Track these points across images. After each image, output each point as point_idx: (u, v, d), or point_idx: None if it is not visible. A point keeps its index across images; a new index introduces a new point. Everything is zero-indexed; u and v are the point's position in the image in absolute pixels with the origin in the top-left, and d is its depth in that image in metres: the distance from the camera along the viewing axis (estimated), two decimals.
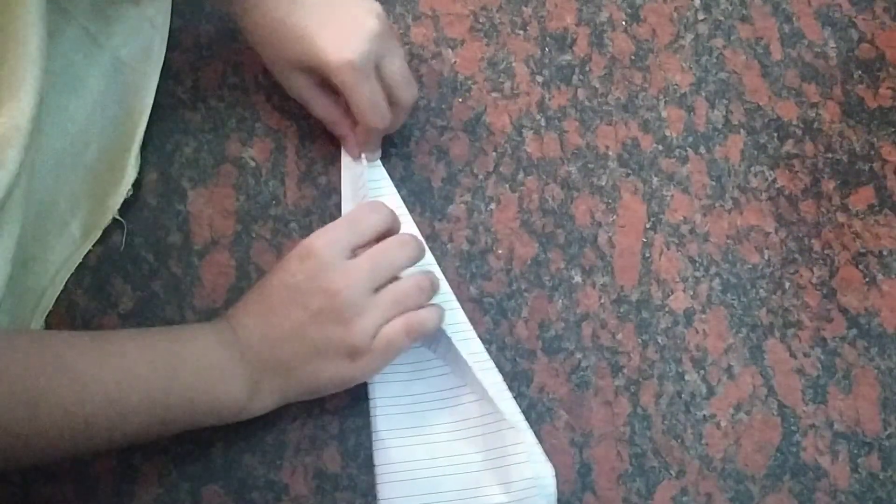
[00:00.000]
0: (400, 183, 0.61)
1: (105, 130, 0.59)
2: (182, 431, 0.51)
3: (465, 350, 0.57)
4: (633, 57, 0.66)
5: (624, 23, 0.67)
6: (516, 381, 0.58)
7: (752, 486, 0.56)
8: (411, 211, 0.60)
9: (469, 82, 0.65)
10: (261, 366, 0.51)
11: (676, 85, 0.66)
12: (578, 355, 0.58)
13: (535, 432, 0.56)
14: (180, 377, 0.49)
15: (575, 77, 0.65)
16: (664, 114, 0.65)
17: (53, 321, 0.57)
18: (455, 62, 0.65)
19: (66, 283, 0.57)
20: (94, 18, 0.58)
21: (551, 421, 0.57)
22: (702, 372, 0.59)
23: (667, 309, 0.60)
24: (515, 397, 0.57)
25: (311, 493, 0.55)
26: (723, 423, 0.58)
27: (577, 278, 0.60)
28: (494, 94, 0.64)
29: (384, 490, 0.54)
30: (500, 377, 0.57)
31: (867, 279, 0.61)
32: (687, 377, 0.58)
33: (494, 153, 0.63)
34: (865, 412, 0.58)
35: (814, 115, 0.65)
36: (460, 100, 0.64)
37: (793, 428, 0.58)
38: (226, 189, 0.61)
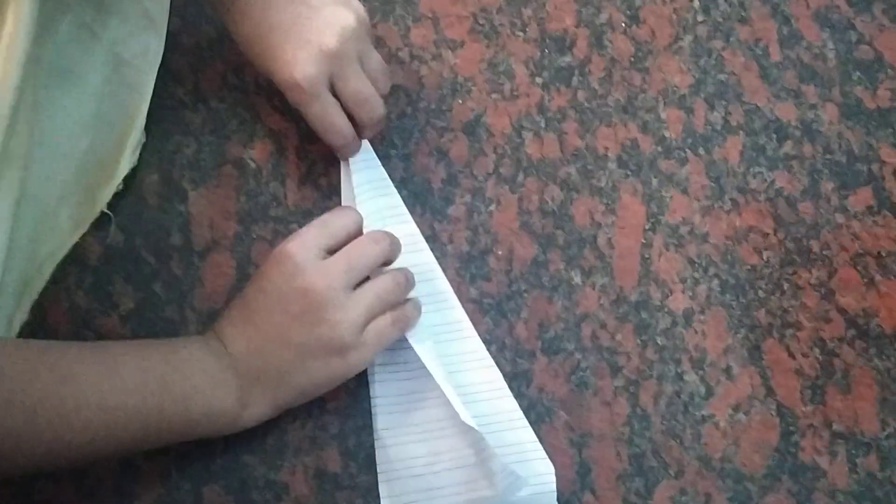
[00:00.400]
0: (400, 184, 0.62)
1: (98, 124, 0.59)
2: (180, 442, 0.51)
3: (466, 348, 0.57)
4: (632, 58, 0.66)
5: (623, 24, 0.67)
6: (516, 381, 0.58)
7: (750, 485, 0.57)
8: (411, 212, 0.61)
9: (469, 84, 0.65)
10: (251, 375, 0.51)
11: (675, 86, 0.66)
12: (578, 356, 0.59)
13: (534, 432, 0.56)
14: (174, 386, 0.49)
15: (574, 78, 0.65)
16: (663, 115, 0.65)
17: (54, 322, 0.57)
18: (455, 63, 0.65)
19: (68, 283, 0.58)
20: (90, 8, 0.58)
21: (551, 421, 0.57)
22: (700, 372, 0.59)
23: (666, 310, 0.60)
24: (515, 397, 0.57)
25: (312, 492, 0.55)
26: (721, 424, 0.58)
27: (577, 279, 0.60)
28: (494, 96, 0.65)
29: (385, 488, 0.54)
30: (499, 374, 0.57)
31: (865, 280, 0.61)
32: (686, 378, 0.59)
33: (494, 154, 0.63)
34: (864, 412, 0.58)
35: (812, 116, 0.65)
36: (460, 101, 0.64)
37: (791, 428, 0.58)
38: (226, 190, 0.61)
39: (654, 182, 0.63)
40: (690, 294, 0.60)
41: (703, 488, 0.56)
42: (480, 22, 0.67)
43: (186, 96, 0.63)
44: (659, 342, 0.59)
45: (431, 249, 0.60)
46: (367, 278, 0.54)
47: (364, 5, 0.65)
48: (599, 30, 0.67)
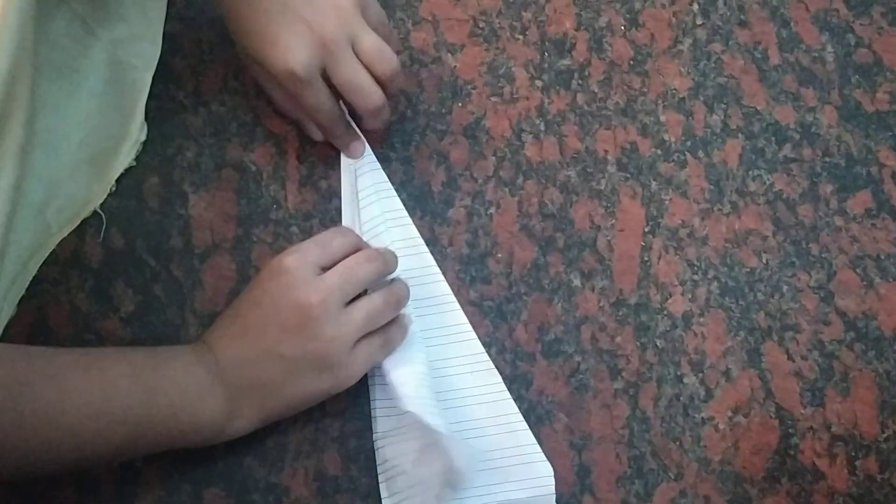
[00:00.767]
0: (400, 187, 0.62)
1: (93, 123, 0.58)
2: (169, 449, 0.51)
3: (466, 351, 0.57)
4: (631, 62, 0.67)
5: (623, 28, 0.67)
6: (515, 383, 0.58)
7: (750, 488, 0.57)
8: (411, 215, 0.61)
9: (469, 87, 0.65)
10: (240, 386, 0.51)
11: (675, 89, 0.66)
12: (577, 358, 0.59)
13: (534, 434, 0.56)
14: (161, 393, 0.49)
15: (574, 82, 0.66)
16: (663, 118, 0.65)
17: (55, 324, 0.57)
18: (455, 67, 0.65)
19: (68, 286, 0.58)
20: (85, 3, 0.58)
21: (550, 423, 0.57)
22: (700, 375, 0.59)
23: (665, 312, 0.60)
24: (515, 400, 0.57)
25: (312, 495, 0.55)
26: (721, 426, 0.58)
27: (577, 282, 0.60)
28: (494, 99, 0.65)
29: (386, 487, 0.54)
30: (499, 377, 0.57)
31: (865, 283, 0.62)
32: (685, 380, 0.59)
33: (494, 157, 0.63)
34: (863, 415, 0.58)
35: (811, 119, 0.66)
36: (460, 104, 0.65)
37: (791, 430, 0.58)
38: (227, 193, 0.61)
39: (654, 185, 0.63)
40: (690, 297, 0.61)
41: (703, 490, 0.56)
42: (480, 25, 0.67)
43: (187, 99, 0.63)
44: (658, 345, 0.59)
45: (431, 252, 0.60)
46: (363, 293, 0.54)
47: None
48: (599, 33, 0.67)
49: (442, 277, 0.59)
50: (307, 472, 0.55)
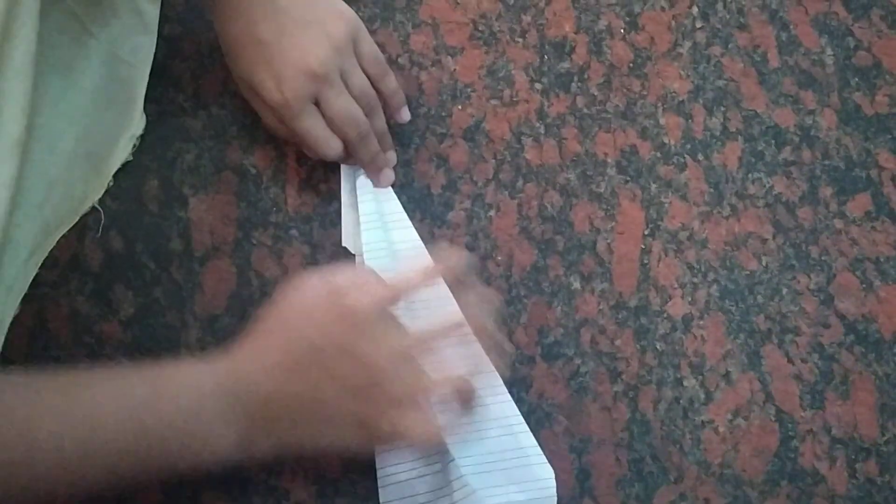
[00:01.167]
0: (400, 190, 0.62)
1: (87, 118, 0.58)
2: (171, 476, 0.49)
3: (466, 353, 0.57)
4: (631, 65, 0.67)
5: (622, 31, 0.67)
6: (516, 386, 0.58)
7: (750, 491, 0.57)
8: (411, 217, 0.61)
9: (469, 90, 0.65)
10: (262, 421, 0.48)
11: (674, 92, 0.66)
12: (577, 361, 0.59)
13: (534, 437, 0.56)
14: (157, 422, 0.46)
15: (574, 84, 0.66)
16: (662, 121, 0.65)
17: (55, 327, 0.57)
18: (455, 70, 0.65)
19: (68, 289, 0.58)
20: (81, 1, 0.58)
21: (550, 426, 0.57)
22: (700, 378, 0.59)
23: (665, 315, 0.60)
24: (515, 402, 0.57)
25: (312, 498, 0.55)
26: (721, 429, 0.58)
27: (576, 285, 0.60)
28: (494, 102, 0.65)
29: (385, 493, 0.54)
30: (500, 379, 0.57)
31: (864, 285, 0.62)
32: (685, 383, 0.59)
33: (494, 160, 0.63)
34: (863, 418, 0.58)
35: (811, 122, 0.66)
36: (460, 107, 0.65)
37: (790, 433, 0.58)
38: (227, 196, 0.61)
39: (654, 188, 0.63)
40: (690, 299, 0.61)
41: (703, 493, 0.56)
42: (480, 28, 0.67)
43: (187, 102, 0.63)
44: (658, 347, 0.59)
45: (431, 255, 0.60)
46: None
47: (364, 11, 0.66)
48: (598, 36, 0.67)
49: (442, 280, 0.59)
50: (307, 475, 0.55)
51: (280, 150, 0.62)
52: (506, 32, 0.67)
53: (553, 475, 0.54)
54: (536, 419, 0.57)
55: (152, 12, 0.60)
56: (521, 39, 0.67)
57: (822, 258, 0.62)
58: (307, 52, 0.56)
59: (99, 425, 0.45)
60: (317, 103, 0.58)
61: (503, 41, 0.67)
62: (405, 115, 0.62)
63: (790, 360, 0.60)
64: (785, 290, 0.61)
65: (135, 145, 0.61)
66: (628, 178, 0.63)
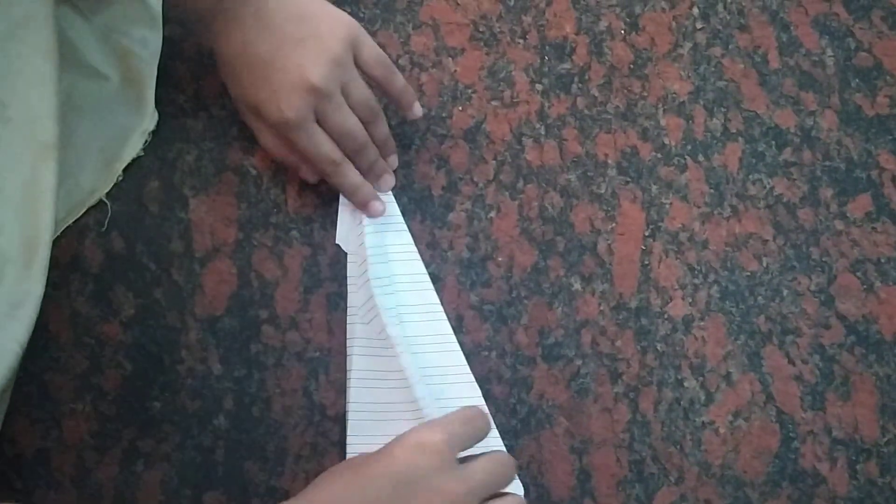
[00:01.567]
0: (400, 191, 0.62)
1: (98, 112, 0.59)
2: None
3: (433, 331, 0.57)
4: (631, 66, 0.67)
5: (623, 32, 0.67)
6: (516, 387, 0.58)
7: (750, 492, 0.57)
8: (412, 219, 0.61)
9: (469, 91, 0.65)
10: None
11: (675, 93, 0.66)
12: (578, 362, 0.59)
13: (534, 439, 0.56)
14: None
15: (574, 85, 0.66)
16: (663, 122, 0.65)
17: (55, 329, 0.57)
18: (455, 71, 0.65)
19: (69, 290, 0.58)
20: None
21: (551, 427, 0.57)
22: (700, 379, 0.59)
23: (666, 316, 0.60)
24: (515, 404, 0.57)
25: None
26: (721, 430, 0.58)
27: (577, 286, 0.60)
28: (494, 103, 0.65)
29: (352, 428, 0.55)
30: (478, 391, 0.57)
31: (865, 286, 0.62)
32: (686, 384, 0.59)
33: (494, 161, 0.63)
34: (864, 419, 0.58)
35: (811, 123, 0.66)
36: (460, 108, 0.65)
37: (791, 434, 0.58)
38: (227, 197, 0.61)
39: (654, 189, 0.63)
40: (690, 300, 0.61)
41: (704, 494, 0.56)
42: (480, 29, 0.67)
43: (187, 103, 0.63)
44: (659, 348, 0.59)
45: (432, 256, 0.60)
46: None
47: (364, 12, 0.66)
48: (599, 37, 0.67)
49: (431, 286, 0.59)
50: (308, 476, 0.55)
51: None
52: (506, 33, 0.67)
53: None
54: (537, 420, 0.57)
55: (155, 7, 0.60)
56: (521, 40, 0.67)
57: (823, 259, 0.62)
58: (306, 68, 0.56)
59: None
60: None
61: (504, 42, 0.67)
62: (417, 110, 0.61)
63: (791, 361, 0.60)
64: (786, 291, 0.61)
65: (146, 141, 0.61)
66: (629, 179, 0.63)
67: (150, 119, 0.61)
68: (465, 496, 0.47)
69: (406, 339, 0.56)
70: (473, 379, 0.57)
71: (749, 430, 0.58)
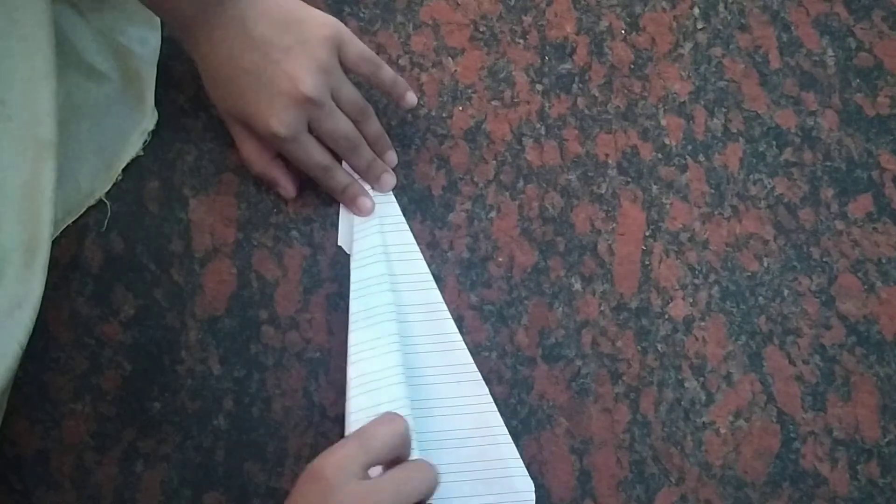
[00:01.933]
0: (400, 191, 0.62)
1: (97, 112, 0.59)
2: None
3: (438, 330, 0.57)
4: (632, 66, 0.67)
5: (623, 32, 0.67)
6: (516, 388, 0.58)
7: (751, 492, 0.57)
8: (412, 219, 0.61)
9: (469, 91, 0.65)
10: None
11: (675, 93, 0.66)
12: (578, 363, 0.59)
13: (535, 439, 0.56)
14: None
15: (574, 86, 0.66)
16: (663, 122, 0.65)
17: (55, 329, 0.57)
18: (455, 71, 0.65)
19: (68, 290, 0.58)
20: None
21: (551, 428, 0.57)
22: (701, 379, 0.59)
23: (666, 316, 0.60)
24: (516, 405, 0.57)
25: None
26: (722, 431, 0.58)
27: (577, 286, 0.60)
28: (495, 103, 0.65)
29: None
30: (485, 388, 0.57)
31: (866, 287, 0.61)
32: (686, 384, 0.59)
33: (495, 161, 0.63)
34: (864, 419, 0.58)
35: (812, 123, 0.66)
36: (461, 108, 0.65)
37: (792, 435, 0.58)
38: (227, 197, 0.61)
39: (655, 189, 0.63)
40: (691, 301, 0.60)
41: (704, 495, 0.56)
42: (481, 29, 0.67)
43: (187, 104, 0.63)
44: (659, 349, 0.59)
45: (432, 257, 0.60)
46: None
47: (364, 13, 0.66)
48: (599, 37, 0.67)
49: (434, 285, 0.59)
50: None
51: None
52: (506, 33, 0.67)
53: (533, 488, 0.54)
54: (537, 421, 0.57)
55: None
56: (521, 40, 0.67)
57: (824, 259, 0.62)
58: (296, 78, 0.55)
59: None
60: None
61: (504, 42, 0.66)
62: (411, 98, 0.61)
63: (791, 362, 0.60)
64: (786, 292, 0.61)
65: (146, 140, 0.61)
66: (629, 180, 0.63)
67: (149, 119, 0.61)
68: None
69: (404, 339, 0.56)
70: (481, 377, 0.57)
71: (750, 431, 0.58)
